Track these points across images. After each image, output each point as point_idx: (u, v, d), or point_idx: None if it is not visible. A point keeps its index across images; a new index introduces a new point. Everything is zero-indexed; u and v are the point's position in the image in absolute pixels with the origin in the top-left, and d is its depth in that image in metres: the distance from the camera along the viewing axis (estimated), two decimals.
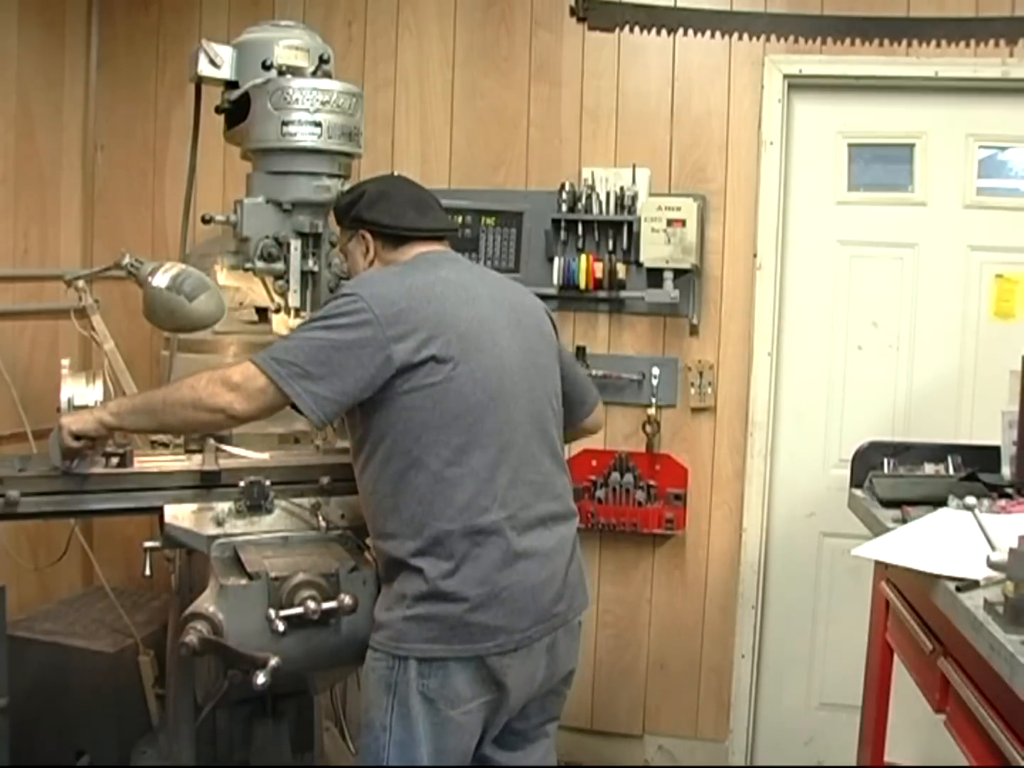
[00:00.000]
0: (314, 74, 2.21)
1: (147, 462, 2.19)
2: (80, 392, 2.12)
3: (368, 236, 1.95)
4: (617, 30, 3.13)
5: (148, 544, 2.08)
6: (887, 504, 2.15)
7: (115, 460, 2.10)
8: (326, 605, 1.78)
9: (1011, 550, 1.46)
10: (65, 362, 2.15)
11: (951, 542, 1.80)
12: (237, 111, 2.22)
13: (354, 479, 1.91)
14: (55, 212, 3.33)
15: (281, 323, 2.31)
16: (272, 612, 1.76)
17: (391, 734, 1.73)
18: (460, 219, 3.19)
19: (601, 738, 3.27)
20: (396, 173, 2.34)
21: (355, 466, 1.87)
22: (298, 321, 2.20)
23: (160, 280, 2.23)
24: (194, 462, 2.20)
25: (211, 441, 2.28)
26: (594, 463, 3.14)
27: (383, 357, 1.72)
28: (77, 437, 1.92)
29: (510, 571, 1.74)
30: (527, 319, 1.95)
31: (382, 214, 1.94)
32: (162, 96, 3.43)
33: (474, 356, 1.78)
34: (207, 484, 2.10)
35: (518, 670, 1.77)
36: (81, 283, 2.46)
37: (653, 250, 2.98)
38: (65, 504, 2.07)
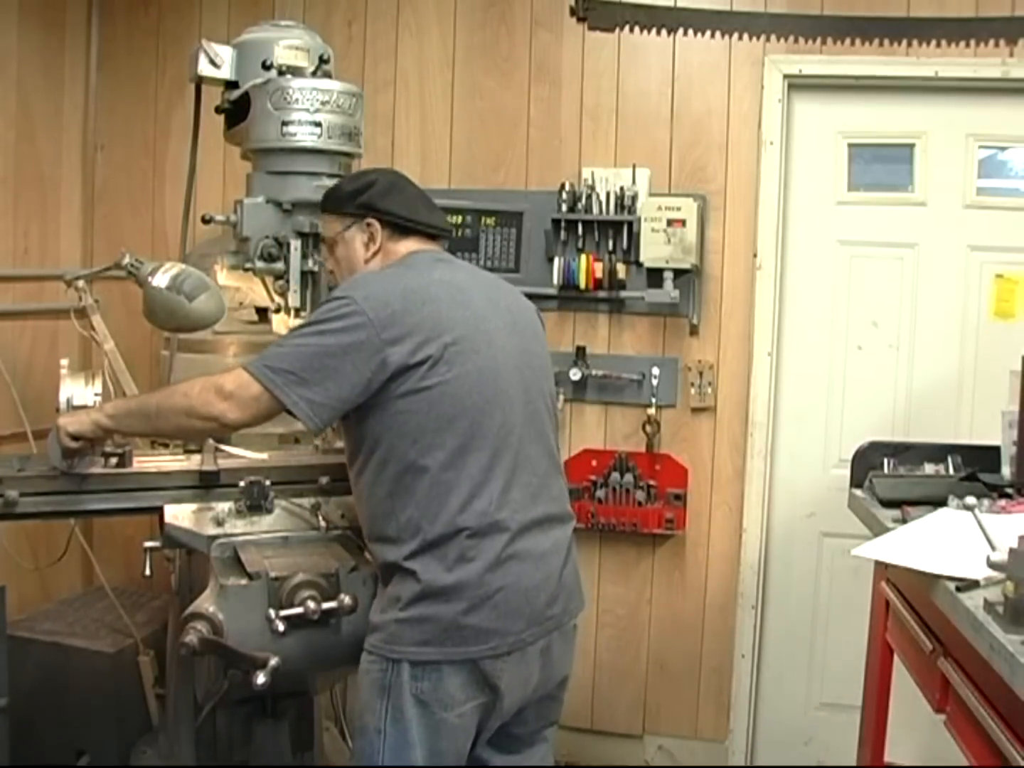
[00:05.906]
0: (314, 74, 2.21)
1: (146, 462, 2.19)
2: (79, 392, 2.11)
3: (376, 225, 1.92)
4: (617, 30, 3.13)
5: (148, 544, 2.09)
6: (887, 504, 2.14)
7: (114, 460, 2.11)
8: (326, 605, 1.78)
9: (1011, 550, 1.46)
10: (64, 362, 2.15)
11: (951, 542, 1.80)
12: (237, 111, 2.22)
13: None
14: (55, 212, 3.32)
15: (281, 323, 2.31)
16: (272, 612, 1.77)
17: (385, 737, 1.72)
18: (460, 219, 3.19)
19: (601, 738, 3.26)
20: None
21: (350, 470, 1.86)
22: (298, 321, 2.20)
23: (160, 280, 2.23)
24: (193, 462, 2.20)
25: (210, 441, 2.28)
26: (594, 463, 3.14)
27: (378, 360, 1.71)
28: (74, 438, 1.92)
29: (504, 573, 1.73)
30: (521, 320, 1.95)
31: (397, 204, 1.92)
32: (162, 96, 3.43)
33: (470, 358, 1.77)
34: (206, 484, 2.11)
35: (512, 674, 1.76)
36: (81, 283, 2.46)
37: (653, 250, 2.98)
38: (64, 504, 2.07)
